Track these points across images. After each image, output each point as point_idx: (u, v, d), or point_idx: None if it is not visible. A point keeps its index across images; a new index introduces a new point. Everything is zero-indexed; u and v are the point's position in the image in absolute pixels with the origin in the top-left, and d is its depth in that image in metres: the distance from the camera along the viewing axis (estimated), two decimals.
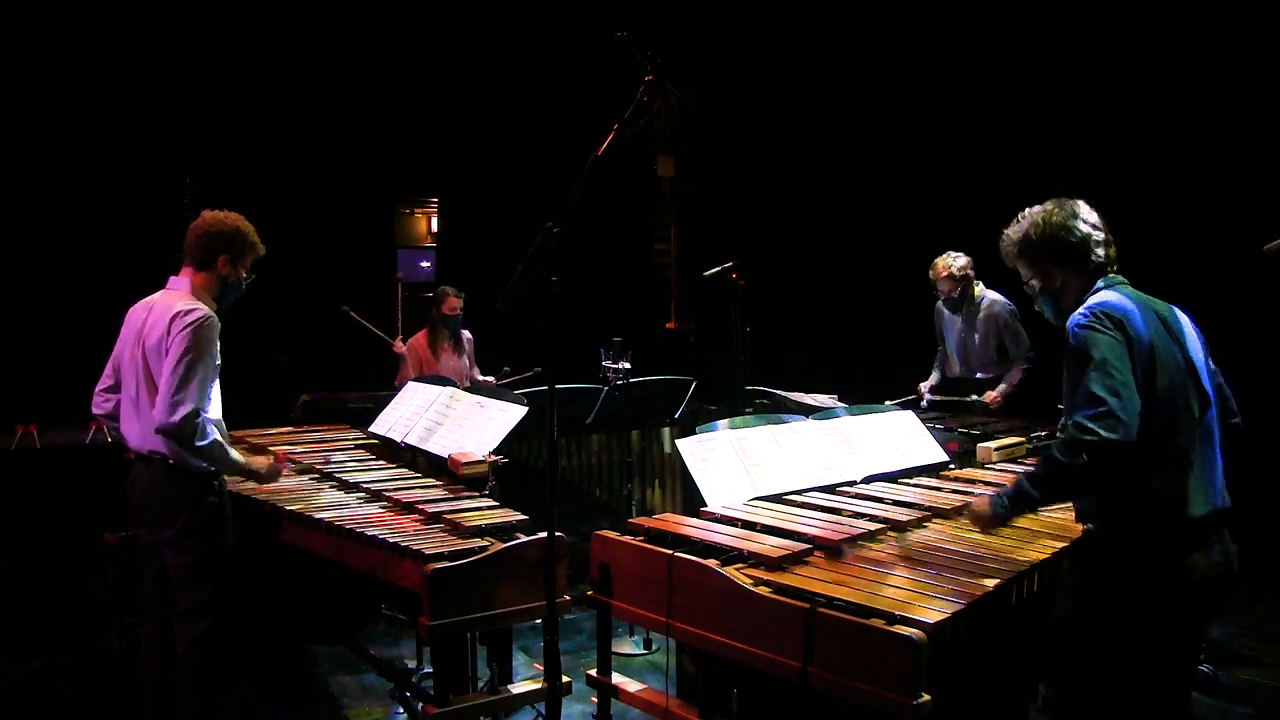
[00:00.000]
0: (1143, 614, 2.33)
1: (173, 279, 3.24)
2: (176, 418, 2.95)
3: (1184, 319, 2.52)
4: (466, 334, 5.91)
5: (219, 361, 3.12)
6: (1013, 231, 2.62)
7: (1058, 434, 2.35)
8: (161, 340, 3.06)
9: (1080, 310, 2.40)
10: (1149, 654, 2.40)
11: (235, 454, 3.19)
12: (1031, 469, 2.46)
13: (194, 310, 3.07)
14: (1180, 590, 2.33)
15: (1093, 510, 2.42)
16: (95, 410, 3.35)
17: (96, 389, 3.33)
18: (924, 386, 5.46)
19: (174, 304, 3.11)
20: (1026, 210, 2.62)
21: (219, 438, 3.09)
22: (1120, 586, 2.34)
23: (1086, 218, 2.53)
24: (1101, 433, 2.20)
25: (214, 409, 3.14)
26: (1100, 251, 2.51)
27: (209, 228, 3.22)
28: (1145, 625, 2.34)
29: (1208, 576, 2.36)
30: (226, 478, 3.30)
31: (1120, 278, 2.52)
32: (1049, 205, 2.57)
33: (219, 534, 3.19)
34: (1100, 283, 2.49)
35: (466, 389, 4.25)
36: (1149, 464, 2.31)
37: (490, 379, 5.74)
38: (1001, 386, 5.16)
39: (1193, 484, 2.34)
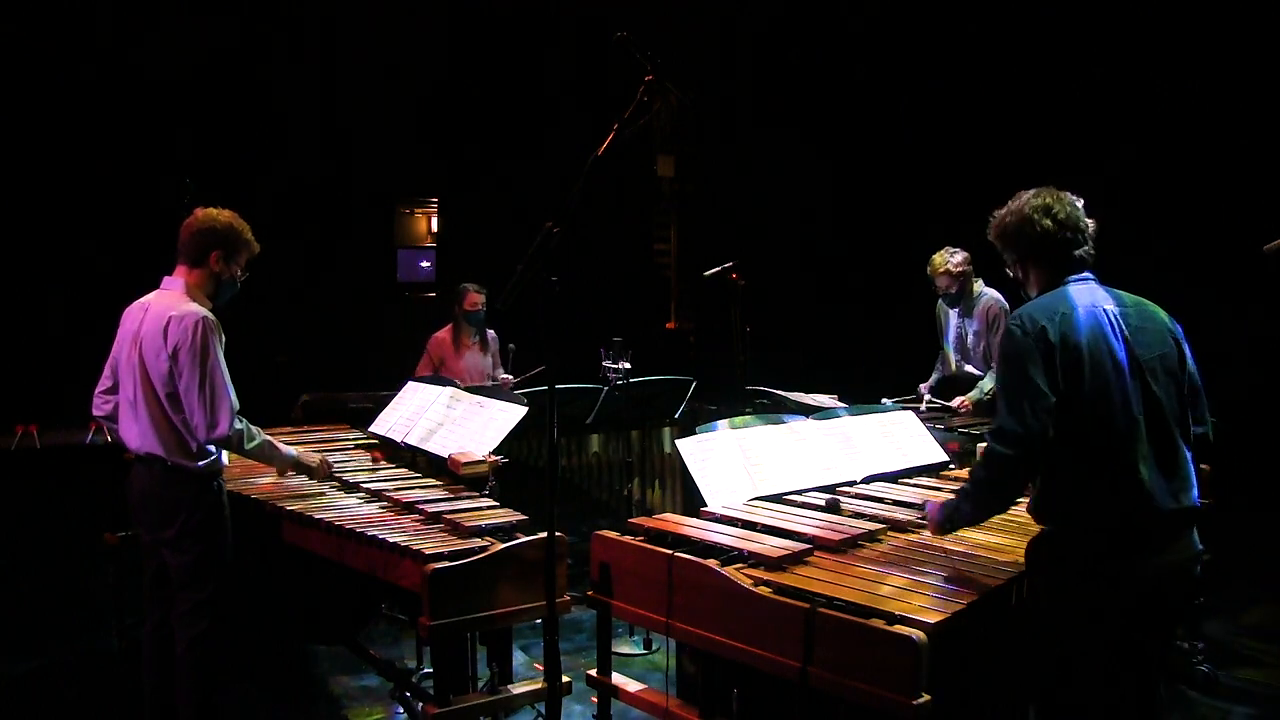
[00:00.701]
0: (1108, 612, 2.31)
1: (167, 279, 3.23)
2: (224, 428, 3.04)
3: (1155, 315, 2.48)
4: (491, 333, 5.89)
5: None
6: (999, 214, 2.60)
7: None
8: (159, 347, 3.05)
9: (1013, 316, 2.43)
10: (1145, 653, 2.40)
11: (277, 444, 3.35)
12: (964, 485, 2.53)
13: (186, 315, 3.05)
14: (1129, 593, 2.30)
15: (1040, 512, 2.43)
16: (95, 412, 3.36)
17: (96, 390, 3.33)
18: (924, 387, 5.46)
19: (168, 308, 3.10)
20: (1020, 193, 2.58)
21: (265, 436, 3.24)
22: (1084, 587, 2.32)
23: (1058, 212, 2.48)
24: (999, 448, 2.33)
25: None
26: (1067, 249, 2.47)
27: (201, 225, 3.20)
28: (1114, 624, 2.33)
29: (1156, 580, 2.32)
30: (225, 478, 3.30)
31: (1086, 275, 2.48)
32: (1031, 194, 2.54)
33: (218, 534, 3.18)
34: (1068, 277, 2.47)
35: (467, 389, 4.25)
36: (1085, 466, 2.32)
37: (509, 376, 5.73)
38: (973, 393, 5.14)
39: (1137, 485, 2.29)
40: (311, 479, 3.62)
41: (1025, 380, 2.30)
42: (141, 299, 3.24)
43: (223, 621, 3.17)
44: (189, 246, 3.20)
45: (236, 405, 3.10)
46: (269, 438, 3.28)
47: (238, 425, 3.09)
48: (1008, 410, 2.33)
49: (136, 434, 3.16)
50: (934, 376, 5.53)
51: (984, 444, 2.51)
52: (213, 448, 3.14)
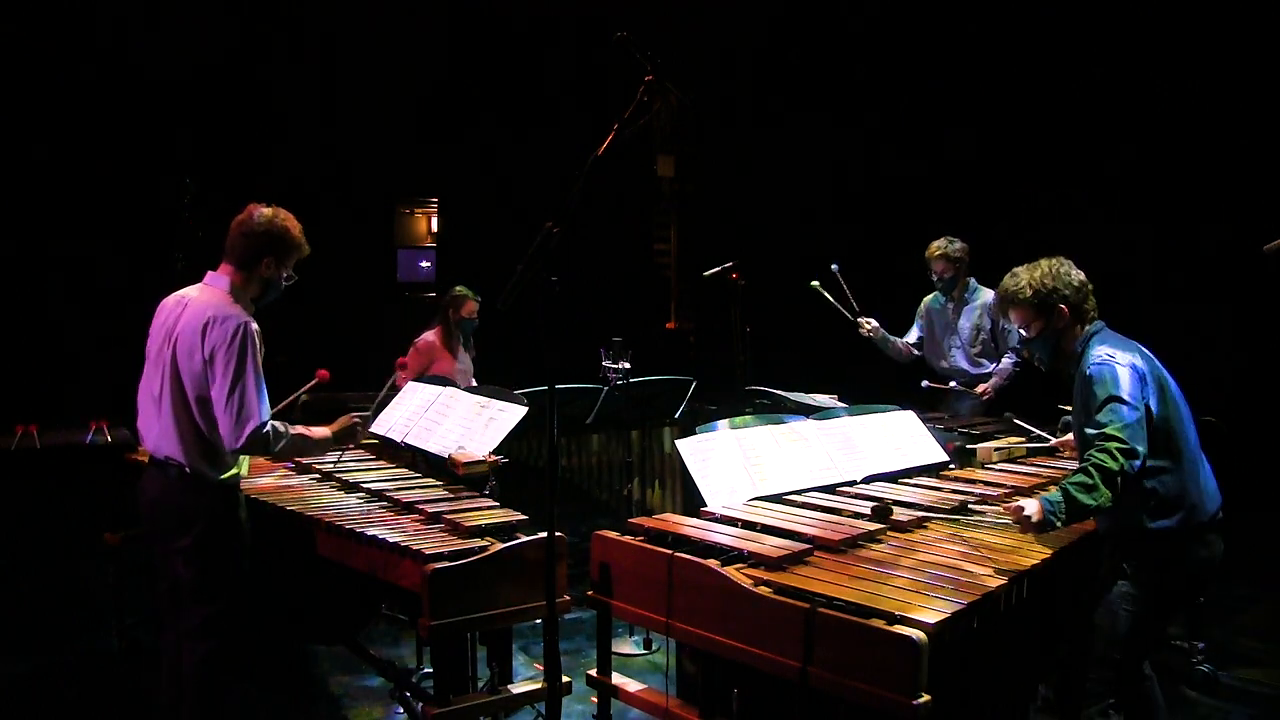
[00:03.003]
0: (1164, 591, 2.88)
1: (211, 275, 3.09)
2: (244, 440, 2.90)
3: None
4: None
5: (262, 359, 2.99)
6: (1017, 280, 3.00)
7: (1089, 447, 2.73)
8: (194, 346, 2.92)
9: (1097, 353, 2.84)
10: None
11: (308, 433, 3.17)
12: (1077, 480, 2.68)
13: (229, 318, 2.92)
14: (1184, 575, 2.91)
15: (1122, 516, 2.84)
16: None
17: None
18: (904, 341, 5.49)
19: (208, 307, 2.96)
20: (1019, 268, 3.02)
21: (295, 431, 3.08)
22: (1151, 573, 2.85)
23: (1078, 273, 2.98)
24: (1127, 466, 2.65)
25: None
26: (1092, 300, 2.98)
27: (257, 227, 3.05)
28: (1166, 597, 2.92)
29: (1207, 565, 2.91)
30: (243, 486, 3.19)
31: (1102, 323, 2.96)
32: (1045, 261, 2.99)
33: (235, 547, 3.05)
34: (1093, 327, 2.95)
35: (467, 389, 4.25)
36: (1171, 477, 2.81)
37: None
38: (994, 380, 5.17)
39: (1203, 489, 2.87)
40: (354, 441, 3.52)
41: (1134, 407, 2.71)
42: (180, 292, 3.09)
43: (233, 640, 3.05)
44: (240, 247, 3.05)
45: (266, 415, 2.95)
46: (298, 430, 3.11)
47: (264, 433, 2.93)
48: (1123, 428, 2.67)
49: (156, 433, 3.01)
50: (913, 335, 5.54)
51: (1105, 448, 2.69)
52: (279, 446, 3.02)
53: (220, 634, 3.02)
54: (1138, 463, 2.66)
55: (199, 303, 3.00)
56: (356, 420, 3.40)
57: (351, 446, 3.58)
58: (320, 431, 3.24)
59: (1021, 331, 3.04)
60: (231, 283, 3.05)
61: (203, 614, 3.00)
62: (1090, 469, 2.65)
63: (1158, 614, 2.92)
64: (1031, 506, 2.67)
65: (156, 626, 4.27)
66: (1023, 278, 2.98)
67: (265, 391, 2.97)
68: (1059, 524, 2.66)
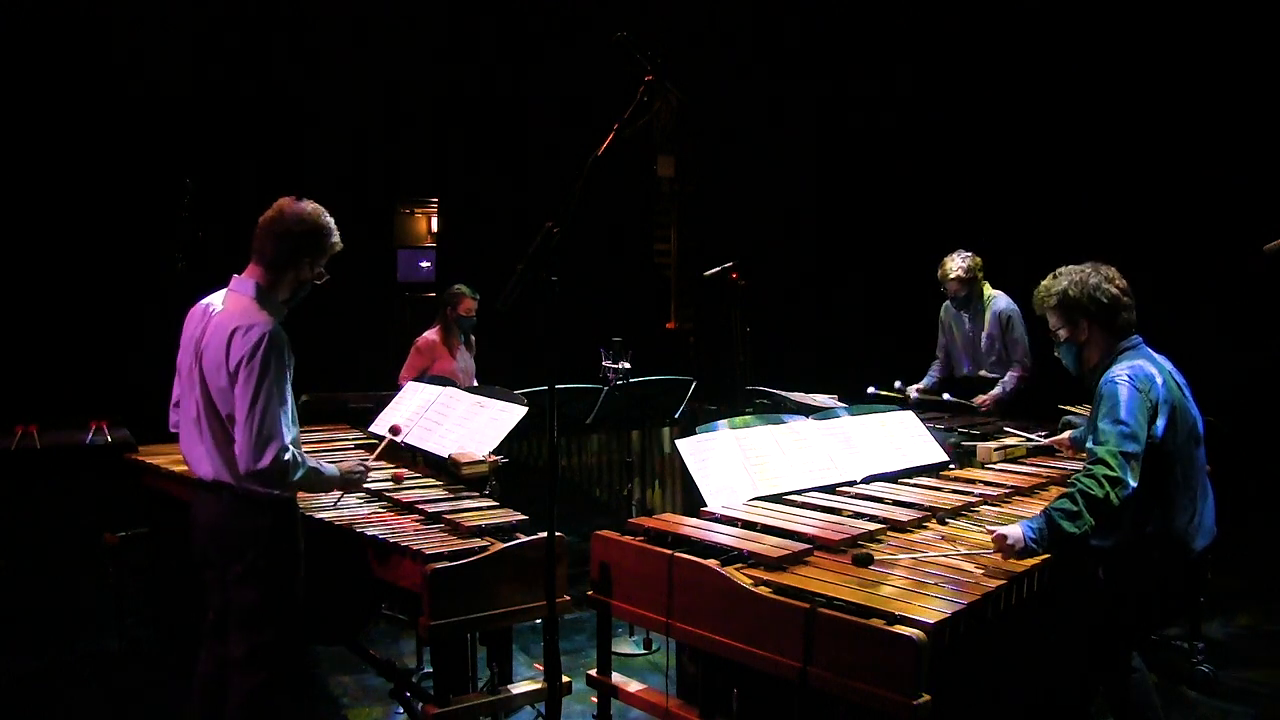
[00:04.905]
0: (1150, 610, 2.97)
1: (236, 279, 2.82)
2: (265, 462, 2.63)
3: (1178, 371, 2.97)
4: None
5: (291, 371, 2.75)
6: (1050, 284, 3.00)
7: (1082, 471, 2.74)
8: (221, 361, 2.69)
9: (1116, 370, 2.81)
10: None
11: (329, 468, 2.94)
12: (1061, 506, 2.67)
13: (254, 327, 2.67)
14: (1182, 583, 2.98)
15: (1118, 538, 2.87)
16: (172, 429, 2.96)
17: (171, 405, 2.96)
18: (913, 390, 5.44)
19: (234, 316, 2.72)
20: (1063, 268, 3.00)
21: (311, 464, 2.81)
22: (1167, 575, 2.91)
23: (1118, 283, 2.92)
24: (1113, 496, 2.65)
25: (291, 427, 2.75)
26: (1125, 315, 2.91)
27: (295, 226, 2.78)
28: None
29: (1181, 595, 3.07)
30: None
31: (1137, 337, 2.92)
32: (1086, 267, 2.95)
33: (290, 571, 2.83)
34: (1124, 343, 2.90)
35: (466, 389, 4.25)
36: (1172, 507, 2.83)
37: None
38: (995, 391, 5.16)
39: (1199, 522, 2.87)
40: (358, 488, 3.25)
41: (1137, 432, 2.70)
42: (206, 299, 2.86)
43: (285, 673, 2.85)
44: (271, 246, 2.77)
45: (288, 438, 2.68)
46: (315, 464, 2.85)
47: (285, 459, 2.66)
48: (1120, 458, 2.67)
49: (202, 457, 2.79)
50: (927, 380, 5.51)
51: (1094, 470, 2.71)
52: (297, 476, 2.75)
53: (270, 667, 2.80)
54: (1126, 492, 2.66)
55: (225, 312, 2.76)
56: (363, 469, 3.16)
57: (352, 492, 3.33)
58: (331, 469, 2.96)
59: (1062, 333, 3.01)
60: (259, 286, 2.78)
61: (250, 643, 2.78)
62: (1076, 495, 2.66)
63: (1129, 626, 2.96)
64: (1014, 533, 2.63)
65: (157, 628, 4.30)
66: (1056, 283, 2.97)
67: (292, 411, 2.73)
68: (1041, 550, 2.63)
